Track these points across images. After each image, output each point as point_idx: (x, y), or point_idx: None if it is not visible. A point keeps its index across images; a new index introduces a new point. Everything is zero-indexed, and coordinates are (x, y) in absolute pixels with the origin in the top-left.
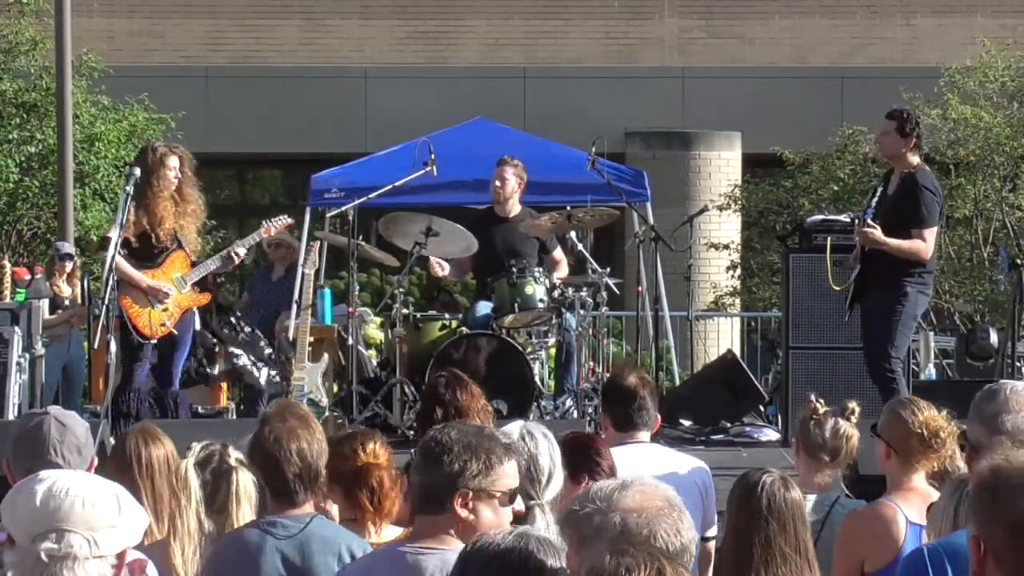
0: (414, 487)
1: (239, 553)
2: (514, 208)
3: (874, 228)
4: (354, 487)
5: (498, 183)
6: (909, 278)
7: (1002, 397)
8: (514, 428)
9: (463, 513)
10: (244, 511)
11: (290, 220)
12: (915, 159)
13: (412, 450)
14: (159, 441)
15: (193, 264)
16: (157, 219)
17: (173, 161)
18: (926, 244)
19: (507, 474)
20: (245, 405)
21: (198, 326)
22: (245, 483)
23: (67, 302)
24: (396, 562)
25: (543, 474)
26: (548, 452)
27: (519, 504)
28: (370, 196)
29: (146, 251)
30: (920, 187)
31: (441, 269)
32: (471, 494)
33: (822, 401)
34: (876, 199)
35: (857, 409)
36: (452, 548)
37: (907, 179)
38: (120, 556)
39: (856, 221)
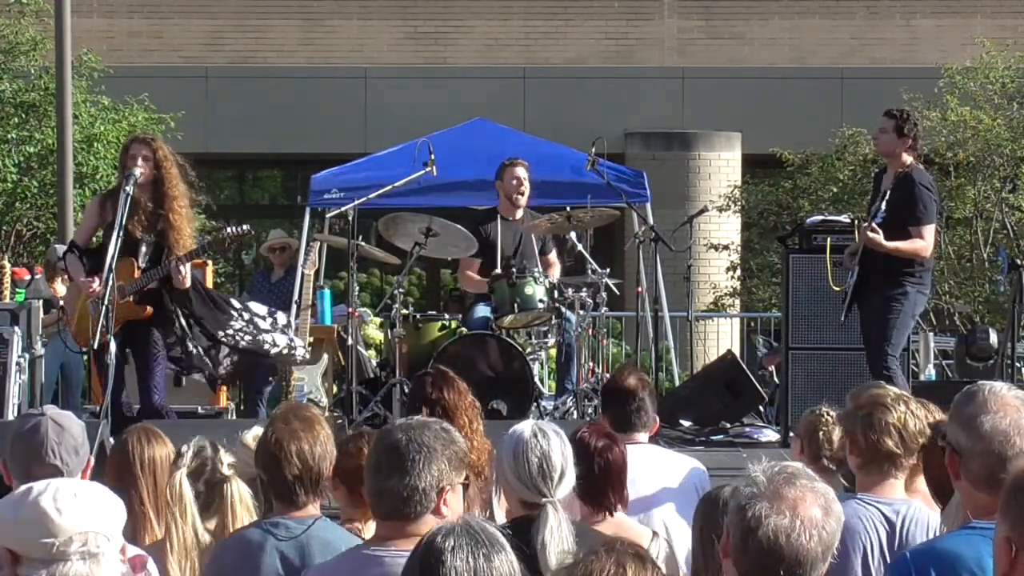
0: (389, 492)
1: (240, 552)
2: (521, 209)
3: (877, 231)
4: (357, 486)
5: (515, 184)
6: (908, 277)
7: (980, 398)
8: (526, 426)
9: (444, 510)
10: (240, 519)
11: (248, 228)
12: (909, 158)
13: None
14: (160, 440)
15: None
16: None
17: (136, 148)
18: (925, 242)
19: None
20: (245, 405)
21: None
22: (240, 491)
23: (61, 302)
24: (371, 566)
25: (555, 471)
26: (560, 450)
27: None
28: (370, 196)
29: (101, 252)
30: (917, 185)
31: None
32: (450, 489)
33: (831, 412)
34: (883, 201)
35: None
36: None
37: (903, 178)
38: (122, 549)
39: (857, 221)
